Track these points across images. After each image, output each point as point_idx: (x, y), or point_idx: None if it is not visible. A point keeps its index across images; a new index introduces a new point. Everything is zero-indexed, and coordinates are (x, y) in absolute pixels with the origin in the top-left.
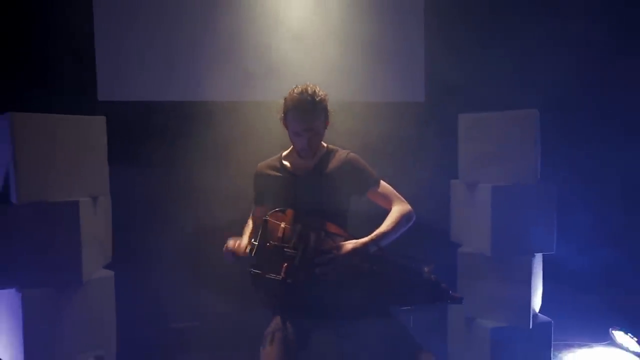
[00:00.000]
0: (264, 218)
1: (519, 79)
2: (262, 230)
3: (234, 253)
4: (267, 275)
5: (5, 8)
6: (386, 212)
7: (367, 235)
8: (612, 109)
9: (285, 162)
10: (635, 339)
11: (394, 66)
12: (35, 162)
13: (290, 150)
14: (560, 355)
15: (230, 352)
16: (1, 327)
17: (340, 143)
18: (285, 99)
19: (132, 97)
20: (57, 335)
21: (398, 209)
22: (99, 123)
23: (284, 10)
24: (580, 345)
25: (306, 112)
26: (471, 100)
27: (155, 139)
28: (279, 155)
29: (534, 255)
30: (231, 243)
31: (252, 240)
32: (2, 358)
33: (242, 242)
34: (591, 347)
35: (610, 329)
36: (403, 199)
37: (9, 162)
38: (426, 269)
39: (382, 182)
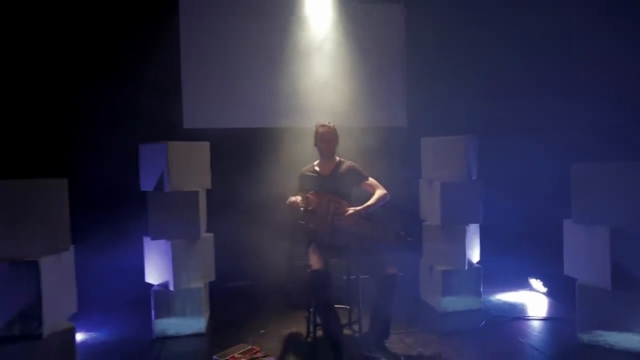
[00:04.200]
0: (306, 195)
1: (479, 107)
2: (305, 202)
3: (292, 205)
4: (309, 225)
5: (106, 53)
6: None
7: (361, 206)
8: (525, 133)
9: (317, 167)
10: (542, 283)
11: (383, 101)
12: (177, 168)
13: (319, 161)
14: (496, 295)
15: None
16: (157, 264)
17: (351, 156)
18: (315, 128)
19: (209, 125)
20: (188, 269)
21: (379, 192)
22: (205, 146)
23: (311, 66)
24: (511, 290)
25: (326, 134)
26: (439, 124)
27: (232, 155)
28: (312, 164)
29: (468, 225)
30: (292, 199)
31: (303, 199)
32: (154, 283)
33: (298, 198)
34: (517, 291)
35: (529, 277)
36: (382, 187)
37: (163, 170)
38: (393, 223)
39: (370, 178)
